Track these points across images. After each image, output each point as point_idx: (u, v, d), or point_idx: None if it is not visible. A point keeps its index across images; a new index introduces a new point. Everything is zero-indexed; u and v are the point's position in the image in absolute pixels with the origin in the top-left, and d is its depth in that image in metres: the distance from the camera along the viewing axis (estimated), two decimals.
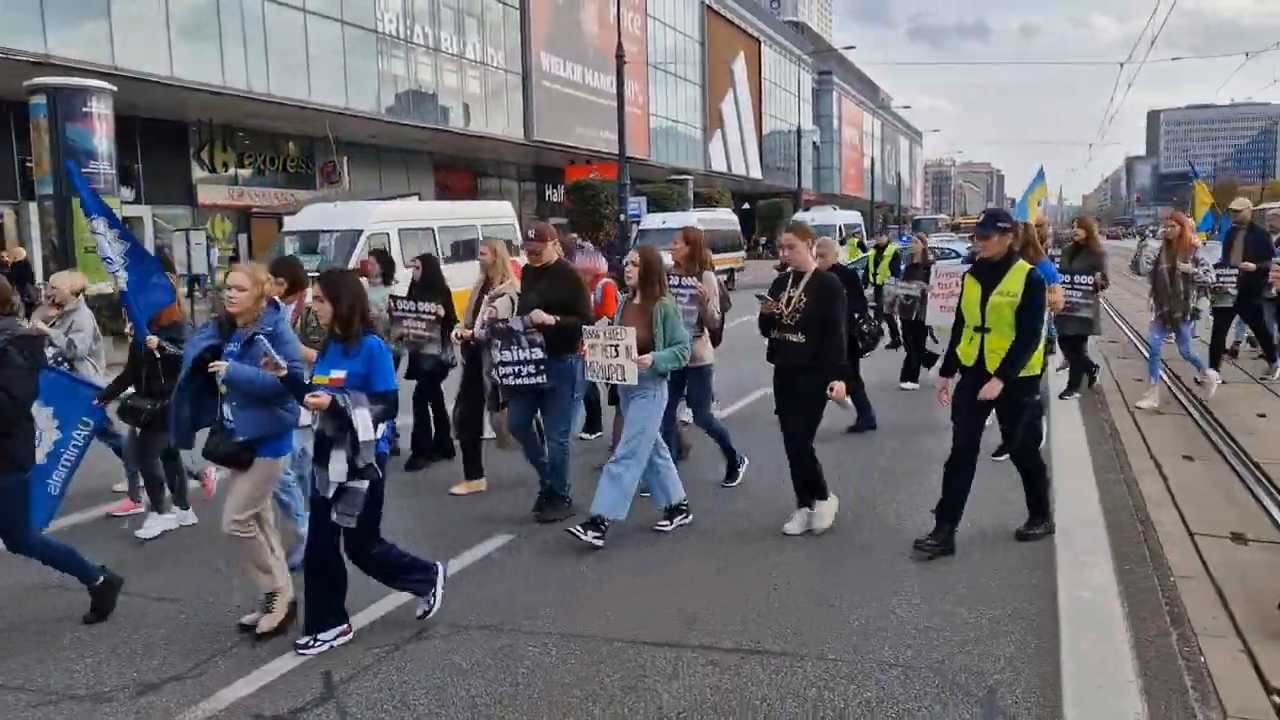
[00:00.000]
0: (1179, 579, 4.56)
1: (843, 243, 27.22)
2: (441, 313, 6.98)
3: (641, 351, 5.33)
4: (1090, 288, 8.52)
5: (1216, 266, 9.20)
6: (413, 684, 3.88)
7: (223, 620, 4.54)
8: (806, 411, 5.46)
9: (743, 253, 32.90)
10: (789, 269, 5.59)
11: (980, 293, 5.14)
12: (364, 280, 6.99)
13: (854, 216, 38.88)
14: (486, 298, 6.45)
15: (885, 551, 5.21)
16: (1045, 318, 5.30)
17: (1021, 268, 5.11)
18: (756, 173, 65.92)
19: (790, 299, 5.42)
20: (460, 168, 42.16)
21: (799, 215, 36.74)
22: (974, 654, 3.95)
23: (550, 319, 5.74)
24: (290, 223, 16.37)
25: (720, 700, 3.65)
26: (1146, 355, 9.58)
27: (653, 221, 29.89)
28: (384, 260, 8.13)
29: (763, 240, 54.08)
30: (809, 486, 5.58)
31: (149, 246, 26.65)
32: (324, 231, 15.26)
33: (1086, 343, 9.38)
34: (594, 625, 4.38)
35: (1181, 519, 5.42)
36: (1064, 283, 8.13)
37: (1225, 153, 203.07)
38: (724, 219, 31.24)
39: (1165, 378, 9.39)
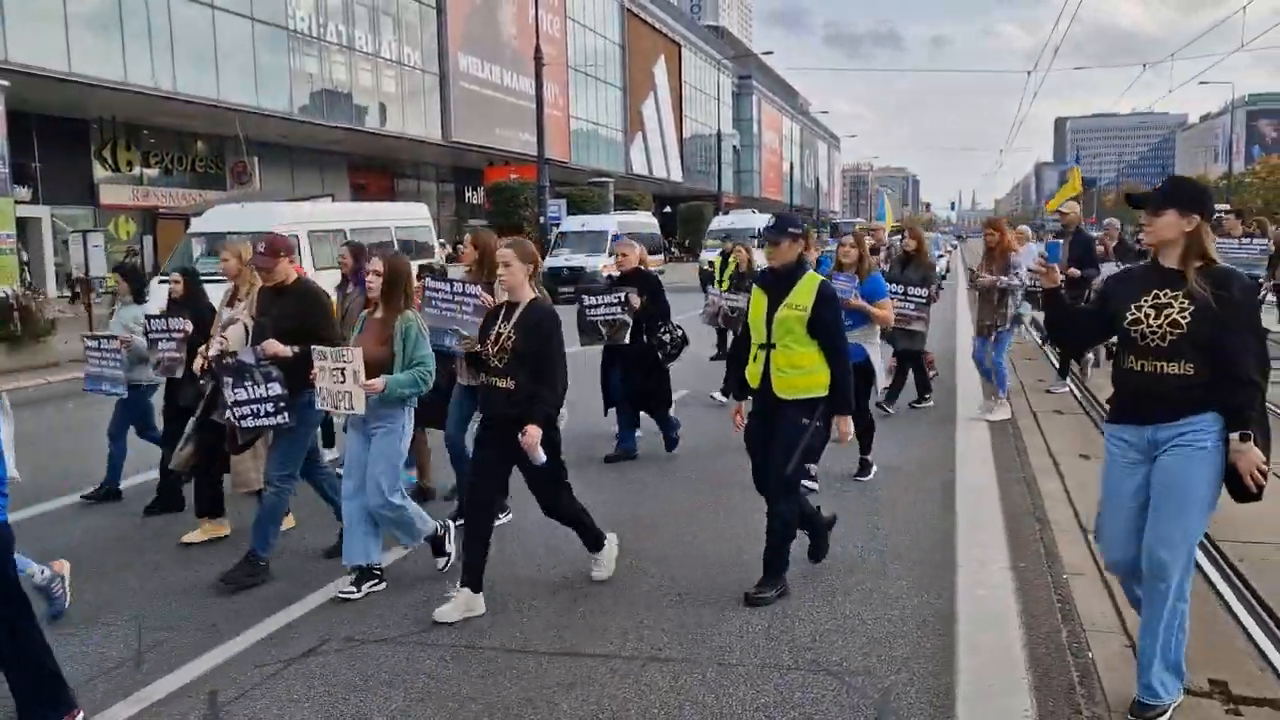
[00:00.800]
0: (1071, 575, 4.66)
1: (760, 246, 27.37)
2: (189, 329, 5.99)
3: (378, 373, 4.65)
4: (924, 300, 8.22)
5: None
6: (302, 702, 3.75)
7: (106, 641, 4.34)
8: (533, 470, 4.55)
9: (662, 256, 32.99)
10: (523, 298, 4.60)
11: (767, 306, 4.60)
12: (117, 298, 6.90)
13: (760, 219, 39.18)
14: (218, 325, 5.60)
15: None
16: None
17: (812, 279, 4.59)
18: (678, 175, 66.32)
19: (499, 335, 4.50)
20: (377, 169, 41.52)
21: (718, 219, 36.96)
22: (872, 656, 3.98)
23: (286, 350, 4.89)
24: (196, 224, 15.89)
25: (618, 709, 3.61)
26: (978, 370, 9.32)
27: (572, 224, 29.81)
28: (132, 276, 6.93)
29: (684, 243, 54.39)
30: (583, 537, 4.90)
31: (47, 247, 25.71)
32: (231, 234, 14.81)
33: (922, 356, 9.15)
34: (493, 637, 4.29)
35: (1076, 516, 5.55)
36: (895, 294, 7.63)
37: (1129, 160, 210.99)
38: (644, 222, 31.36)
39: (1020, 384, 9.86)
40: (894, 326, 7.33)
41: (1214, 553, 4.82)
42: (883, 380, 7.72)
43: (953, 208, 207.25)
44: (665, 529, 5.76)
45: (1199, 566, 4.56)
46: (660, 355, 7.38)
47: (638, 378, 7.39)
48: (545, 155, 45.53)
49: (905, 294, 8.09)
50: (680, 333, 7.54)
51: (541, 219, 31.49)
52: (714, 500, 6.30)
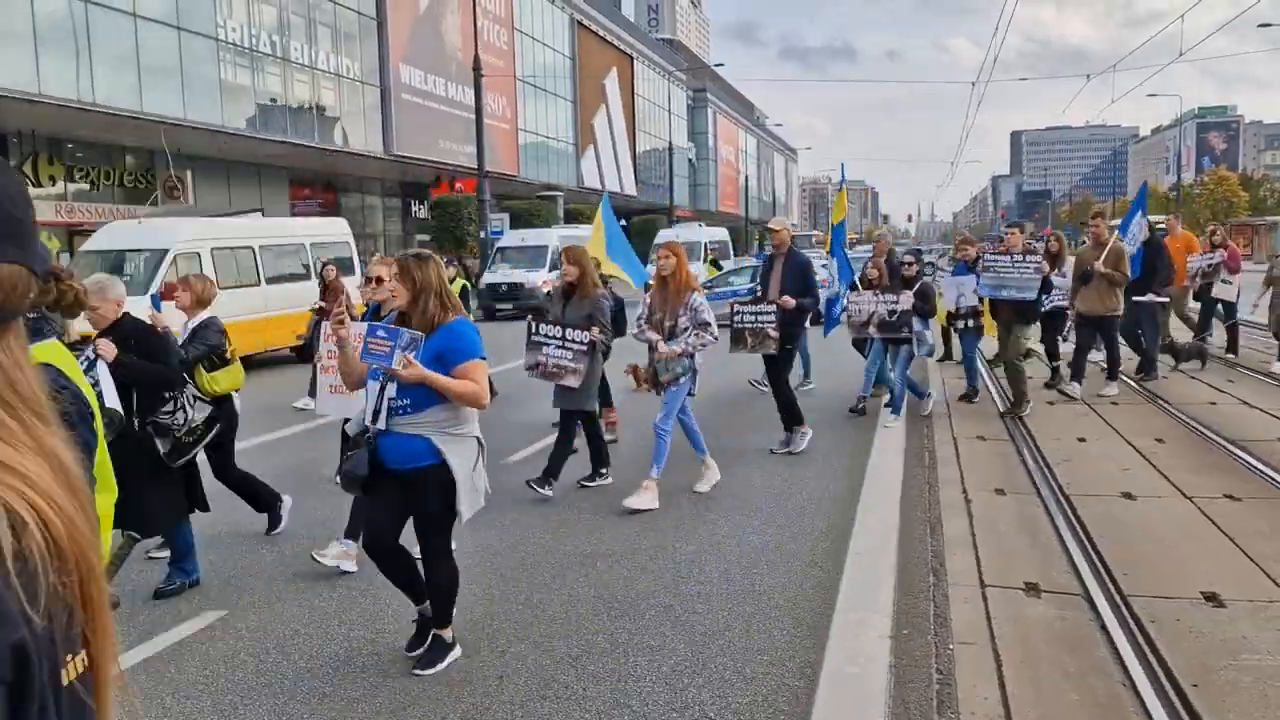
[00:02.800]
0: (958, 646, 4.01)
1: (713, 262, 26.90)
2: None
3: None
4: (584, 347, 6.45)
5: (751, 302, 8.07)
6: None
7: None
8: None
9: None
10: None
11: None
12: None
13: (720, 233, 38.79)
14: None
15: (629, 623, 4.54)
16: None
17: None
18: (631, 189, 65.76)
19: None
20: (319, 184, 40.54)
21: (664, 232, 36.44)
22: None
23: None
24: (89, 243, 14.95)
25: None
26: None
27: (511, 238, 29.11)
28: None
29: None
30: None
31: None
32: (126, 251, 13.95)
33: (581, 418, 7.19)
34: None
35: (977, 565, 4.92)
36: (552, 338, 6.57)
37: (1082, 172, 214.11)
38: (586, 236, 30.75)
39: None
40: (554, 381, 6.64)
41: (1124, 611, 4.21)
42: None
43: (910, 219, 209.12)
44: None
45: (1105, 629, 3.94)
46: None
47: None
48: (492, 169, 45.03)
49: (564, 339, 6.54)
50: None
51: (482, 233, 30.71)
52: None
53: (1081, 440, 7.90)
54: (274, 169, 36.39)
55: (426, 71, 40.65)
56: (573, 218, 48.20)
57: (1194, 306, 13.08)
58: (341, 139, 36.00)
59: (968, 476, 6.75)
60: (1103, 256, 9.55)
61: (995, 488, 6.45)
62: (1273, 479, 6.37)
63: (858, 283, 9.26)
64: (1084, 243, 10.66)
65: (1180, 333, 12.37)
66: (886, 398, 9.16)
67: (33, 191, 24.95)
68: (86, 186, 29.42)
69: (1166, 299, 11.21)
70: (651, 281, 7.18)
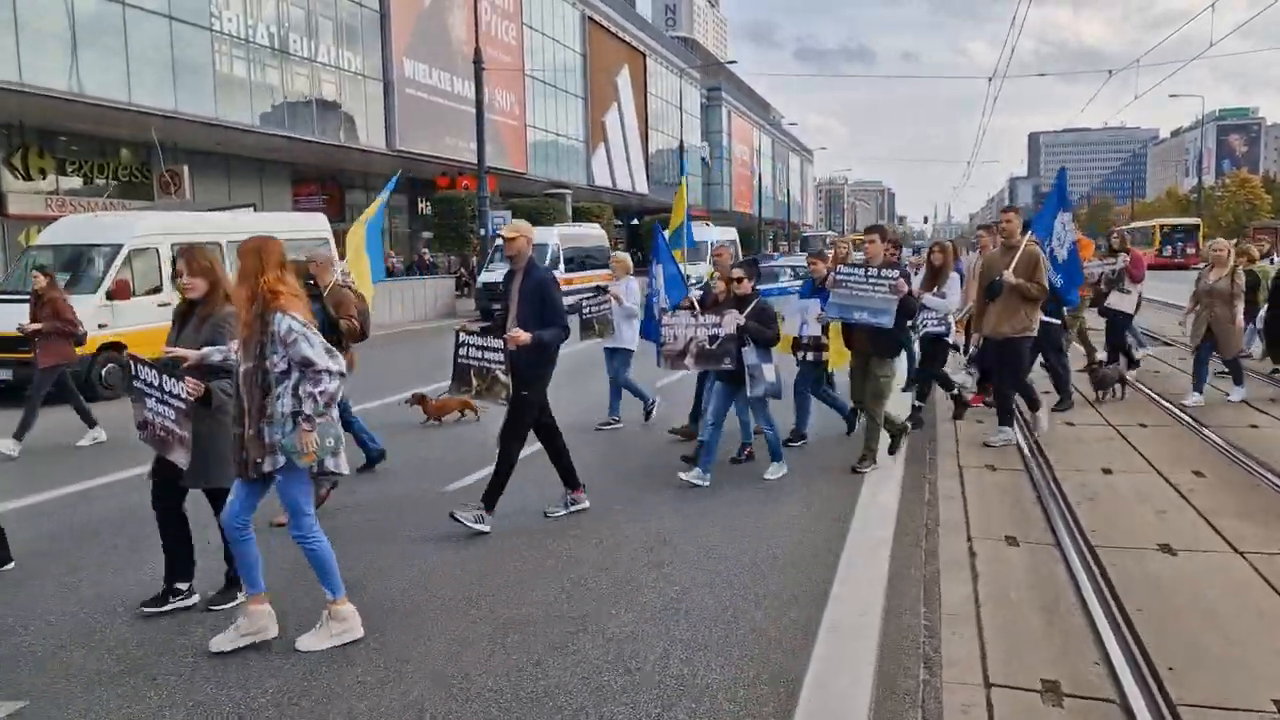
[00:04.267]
0: None
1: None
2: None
3: None
4: (182, 404, 4.43)
5: (481, 334, 6.12)
6: None
7: None
8: None
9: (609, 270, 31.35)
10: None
11: None
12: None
13: (729, 233, 37.79)
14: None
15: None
16: None
17: None
18: (643, 188, 64.77)
19: None
20: (323, 180, 39.78)
21: (666, 232, 35.41)
22: None
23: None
24: (42, 236, 14.10)
25: None
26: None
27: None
28: None
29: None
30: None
31: None
32: (81, 246, 13.08)
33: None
34: None
35: (981, 653, 3.91)
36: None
37: (1102, 174, 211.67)
38: (590, 234, 29.70)
39: None
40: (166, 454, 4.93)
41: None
42: None
43: (925, 221, 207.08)
44: None
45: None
46: None
47: None
48: (499, 165, 44.16)
49: (162, 390, 4.65)
50: None
51: (483, 230, 29.81)
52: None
53: (1107, 472, 6.88)
54: (276, 165, 35.64)
55: (431, 66, 39.81)
56: (582, 216, 47.33)
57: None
58: (342, 134, 35.17)
59: (974, 519, 5.75)
60: (1013, 264, 7.72)
61: (1006, 535, 5.44)
62: None
63: (696, 303, 7.60)
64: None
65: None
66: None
67: (20, 184, 24.29)
68: (79, 181, 28.70)
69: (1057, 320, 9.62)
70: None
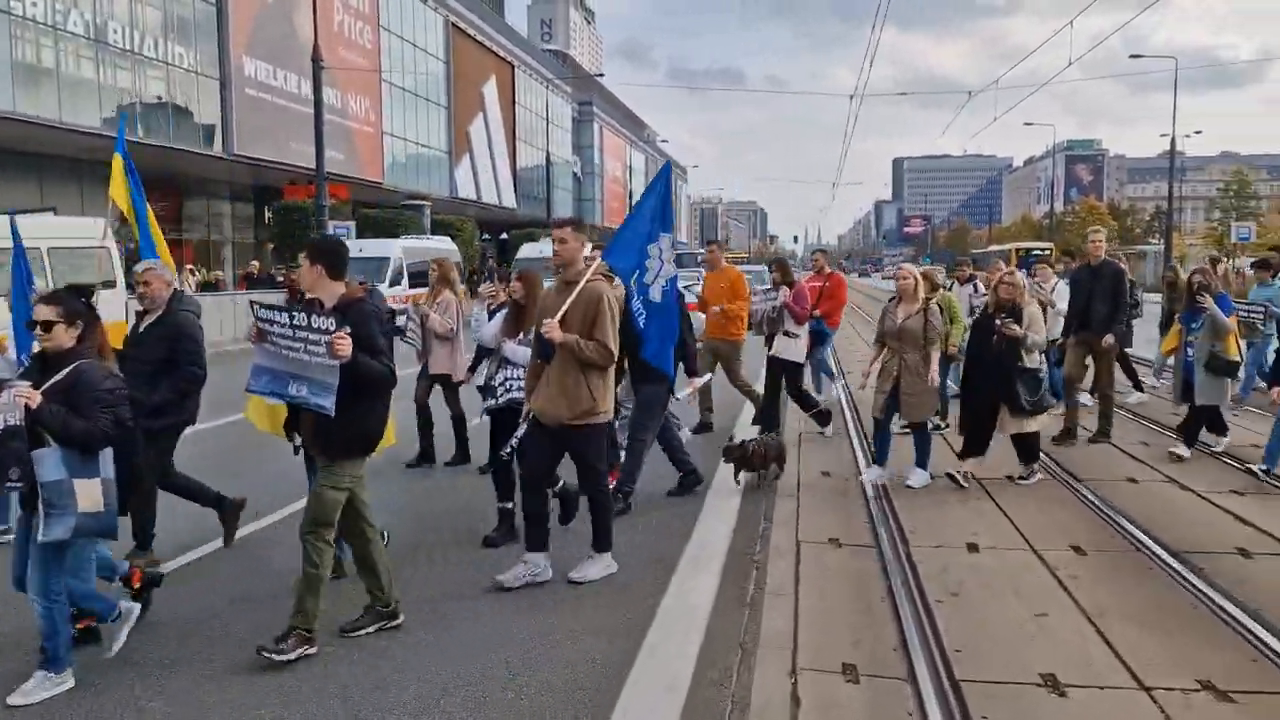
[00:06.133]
0: None
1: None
2: None
3: None
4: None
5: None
6: None
7: None
8: None
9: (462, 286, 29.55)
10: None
11: None
12: None
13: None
14: None
15: None
16: None
17: None
18: (511, 201, 62.98)
19: None
20: (156, 185, 36.60)
21: (526, 246, 34.01)
22: None
23: None
24: None
25: None
26: None
27: (350, 249, 25.99)
28: None
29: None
30: None
31: None
32: None
33: None
34: None
35: None
36: None
37: (960, 199, 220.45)
38: (438, 248, 27.78)
39: None
40: None
41: None
42: None
43: (796, 240, 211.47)
44: None
45: None
46: None
47: None
48: (352, 174, 41.75)
49: None
50: None
51: None
52: None
53: (973, 550, 5.65)
54: (94, 165, 32.43)
55: (275, 66, 37.20)
56: (442, 229, 45.25)
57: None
58: (173, 135, 32.31)
59: (805, 637, 4.35)
60: (563, 307, 5.19)
61: (844, 662, 4.05)
62: (1268, 648, 4.17)
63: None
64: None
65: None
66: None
67: None
68: None
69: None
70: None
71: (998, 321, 7.04)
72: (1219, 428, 8.36)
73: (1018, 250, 59.97)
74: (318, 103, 27.39)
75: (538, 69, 69.37)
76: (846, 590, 4.98)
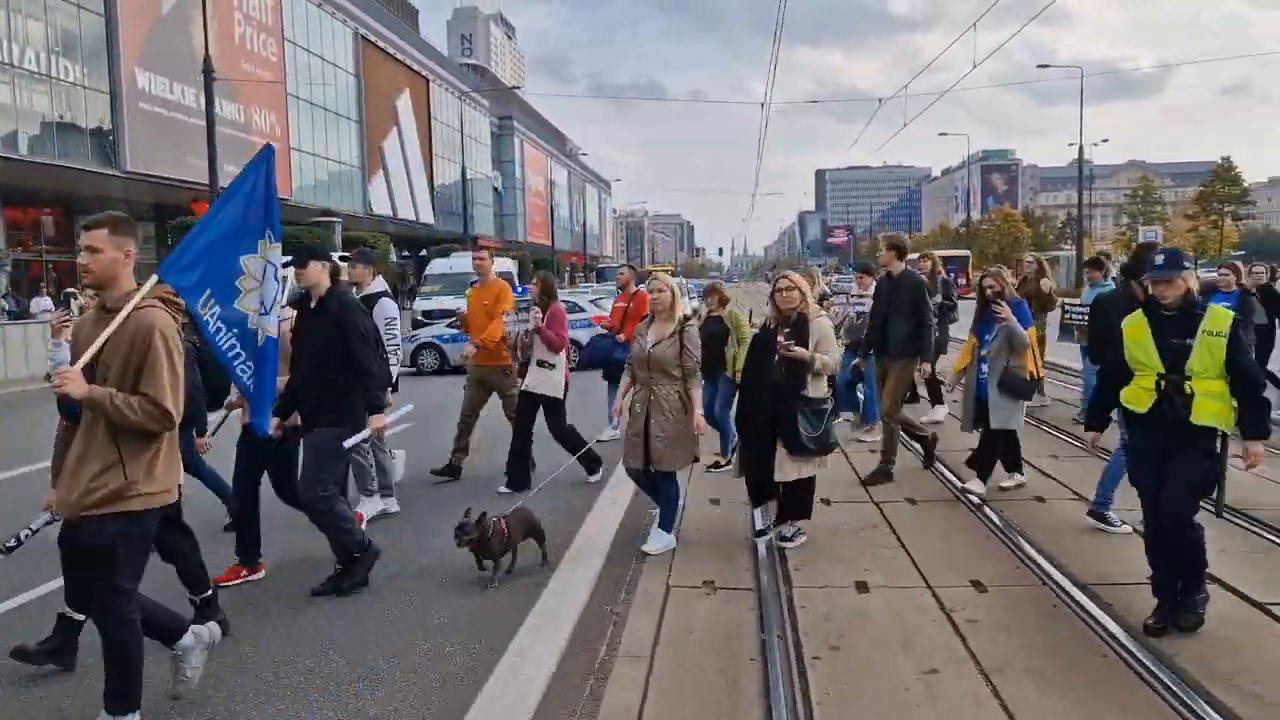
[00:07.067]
0: None
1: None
2: None
3: None
4: None
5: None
6: None
7: None
8: None
9: None
10: None
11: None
12: None
13: (505, 264, 35.58)
14: None
15: None
16: None
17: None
18: (429, 217, 61.71)
19: None
20: (47, 204, 34.82)
21: (435, 262, 33.05)
22: None
23: None
24: None
25: None
26: None
27: None
28: None
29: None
30: None
31: None
32: None
33: None
34: None
35: None
36: None
37: (881, 209, 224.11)
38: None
39: None
40: None
41: None
42: None
43: (721, 253, 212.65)
44: None
45: None
46: None
47: None
48: (217, 183, 40.17)
49: None
50: None
51: None
52: None
53: (862, 590, 5.04)
54: None
55: (171, 79, 35.67)
56: (353, 246, 43.94)
57: None
58: (54, 151, 30.65)
59: (651, 711, 3.66)
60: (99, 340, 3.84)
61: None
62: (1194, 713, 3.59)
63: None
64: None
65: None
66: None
67: None
68: None
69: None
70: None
71: (779, 340, 5.66)
72: (1012, 460, 7.18)
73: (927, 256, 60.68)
74: (210, 115, 26.13)
75: (453, 82, 68.25)
76: (712, 649, 4.30)
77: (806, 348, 5.63)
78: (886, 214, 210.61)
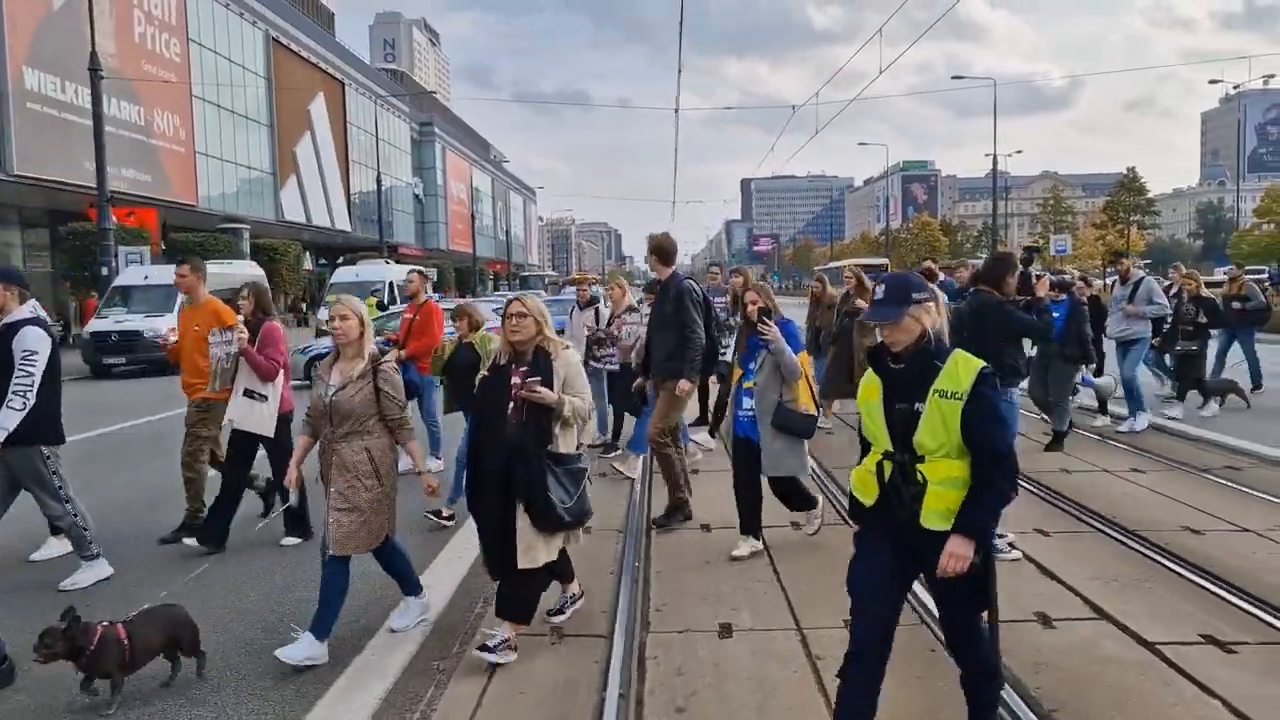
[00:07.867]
0: None
1: (378, 303, 22.69)
2: None
3: None
4: None
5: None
6: None
7: None
8: None
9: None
10: None
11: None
12: None
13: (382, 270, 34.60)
14: None
15: None
16: None
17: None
18: (344, 224, 60.23)
19: None
20: None
21: (341, 270, 32.00)
22: None
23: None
24: None
25: None
26: None
27: (132, 276, 23.64)
28: None
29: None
30: None
31: None
32: None
33: None
34: None
35: None
36: None
37: (805, 218, 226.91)
38: (239, 273, 25.46)
39: None
40: None
41: None
42: None
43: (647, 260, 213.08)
44: None
45: None
46: None
47: None
48: (161, 196, 38.64)
49: None
50: None
51: (105, 270, 25.01)
52: None
53: (725, 634, 4.55)
54: None
55: (63, 78, 33.94)
56: (264, 253, 42.53)
57: None
58: None
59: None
60: None
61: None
62: None
63: None
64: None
65: None
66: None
67: None
68: None
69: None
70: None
71: (514, 381, 4.33)
72: (803, 501, 6.11)
73: (853, 266, 61.39)
74: (98, 115, 24.84)
75: (370, 86, 66.82)
76: (542, 716, 3.75)
77: (551, 388, 4.30)
78: (811, 223, 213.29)
